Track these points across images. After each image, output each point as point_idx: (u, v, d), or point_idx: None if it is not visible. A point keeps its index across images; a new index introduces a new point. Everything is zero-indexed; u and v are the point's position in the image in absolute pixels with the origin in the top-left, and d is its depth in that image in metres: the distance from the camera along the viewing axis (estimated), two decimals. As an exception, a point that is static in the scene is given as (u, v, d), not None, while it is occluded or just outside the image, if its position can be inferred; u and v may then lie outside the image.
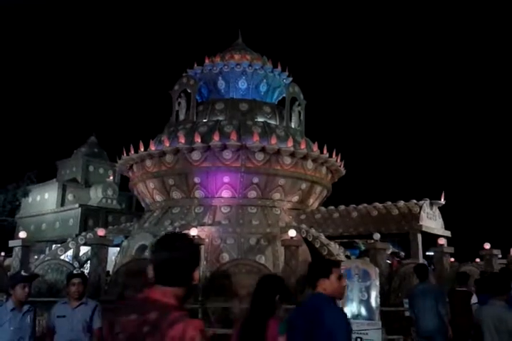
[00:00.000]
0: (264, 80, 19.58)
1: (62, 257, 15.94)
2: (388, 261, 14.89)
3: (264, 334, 3.33)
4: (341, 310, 3.38)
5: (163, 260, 1.94)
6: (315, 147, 17.82)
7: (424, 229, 15.42)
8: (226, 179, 16.64)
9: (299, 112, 19.27)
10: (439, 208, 16.84)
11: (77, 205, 22.79)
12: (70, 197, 24.52)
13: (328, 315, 3.04)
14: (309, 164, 17.46)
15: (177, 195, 17.28)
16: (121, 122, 46.63)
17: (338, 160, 18.72)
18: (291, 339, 3.22)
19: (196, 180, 16.77)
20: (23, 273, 4.87)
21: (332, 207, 17.43)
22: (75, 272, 5.08)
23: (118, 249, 17.69)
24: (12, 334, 4.57)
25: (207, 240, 14.93)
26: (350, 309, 7.27)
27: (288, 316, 3.39)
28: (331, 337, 2.96)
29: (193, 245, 2.09)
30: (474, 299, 7.26)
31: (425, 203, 15.98)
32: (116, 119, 48.90)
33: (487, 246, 14.15)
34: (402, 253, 16.31)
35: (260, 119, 18.25)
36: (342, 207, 17.21)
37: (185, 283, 1.95)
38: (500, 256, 14.61)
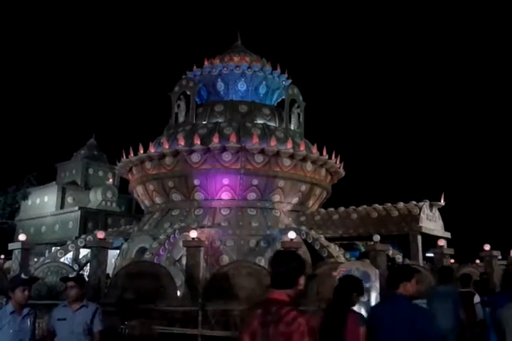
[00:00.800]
0: (264, 82, 19.60)
1: (61, 260, 15.93)
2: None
3: (343, 327, 3.86)
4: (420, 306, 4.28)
5: (279, 271, 2.75)
6: (314, 149, 17.84)
7: (423, 230, 15.42)
8: (226, 181, 16.65)
9: (299, 114, 19.30)
10: (439, 209, 16.83)
11: (76, 208, 22.78)
12: (69, 199, 24.50)
13: (412, 311, 3.78)
14: (309, 166, 17.47)
15: (177, 197, 17.28)
16: (121, 125, 46.66)
17: (338, 162, 18.73)
18: (376, 331, 3.86)
19: (196, 182, 16.77)
20: (22, 276, 4.85)
21: (332, 209, 17.43)
22: (70, 275, 5.07)
23: (118, 251, 17.67)
24: (12, 337, 4.55)
25: (206, 242, 14.91)
26: (351, 311, 7.26)
27: (371, 310, 4.18)
28: (416, 328, 3.65)
29: (300, 259, 2.83)
30: (477, 299, 7.42)
31: (425, 204, 15.98)
32: (116, 122, 48.93)
33: (487, 247, 14.15)
34: (398, 257, 16.23)
35: (260, 121, 18.27)
36: (342, 208, 17.20)
37: (293, 286, 2.74)
38: (500, 257, 14.61)
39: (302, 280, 2.75)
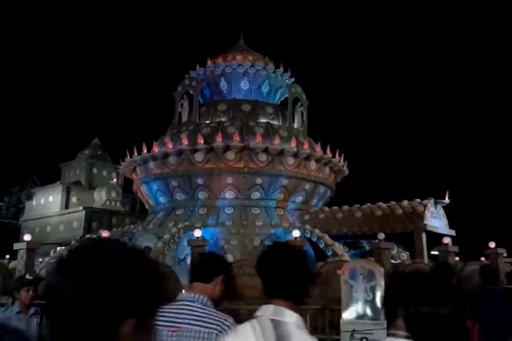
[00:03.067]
0: (267, 81, 19.58)
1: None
2: None
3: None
4: None
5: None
6: (318, 147, 17.82)
7: (428, 228, 15.38)
8: (229, 180, 16.65)
9: (302, 112, 19.26)
10: (444, 207, 16.79)
11: (81, 208, 22.85)
12: (74, 199, 24.57)
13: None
14: (312, 164, 17.45)
15: (180, 197, 17.30)
16: (124, 124, 46.76)
17: (341, 161, 18.70)
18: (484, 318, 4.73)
19: (199, 181, 16.78)
20: (27, 276, 4.87)
21: (336, 207, 17.40)
22: None
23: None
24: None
25: (211, 241, 14.92)
26: (356, 309, 7.25)
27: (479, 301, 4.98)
28: None
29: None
30: None
31: (429, 202, 15.93)
32: (120, 121, 49.03)
33: (492, 244, 14.11)
34: (403, 254, 16.20)
35: (263, 120, 18.25)
36: (346, 207, 17.18)
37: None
38: (505, 254, 14.57)
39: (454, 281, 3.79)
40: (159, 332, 2.37)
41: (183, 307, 2.49)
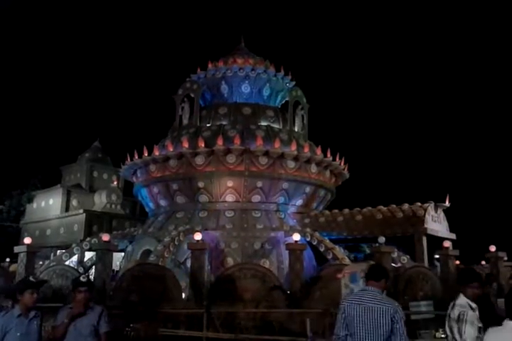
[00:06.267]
0: (267, 84, 19.61)
1: (67, 263, 15.97)
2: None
3: None
4: None
5: None
6: (318, 150, 17.84)
7: (429, 231, 15.37)
8: (230, 183, 16.66)
9: (302, 116, 19.30)
10: (444, 211, 16.78)
11: (81, 211, 22.81)
12: (74, 202, 24.54)
13: None
14: (313, 168, 17.46)
15: (181, 200, 17.30)
16: (125, 127, 46.80)
17: (342, 164, 18.71)
18: None
19: (200, 184, 16.79)
20: (31, 278, 4.87)
21: (336, 211, 17.40)
22: (81, 279, 5.00)
23: (123, 254, 17.69)
24: (19, 340, 4.58)
25: (211, 244, 14.92)
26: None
27: None
28: None
29: None
30: None
31: (430, 206, 15.93)
32: (120, 124, 48.98)
33: (493, 248, 14.12)
34: (403, 258, 16.15)
35: (263, 123, 18.28)
36: (346, 210, 17.17)
37: None
38: (505, 258, 14.57)
39: None
40: (352, 306, 4.01)
41: (367, 294, 4.07)
